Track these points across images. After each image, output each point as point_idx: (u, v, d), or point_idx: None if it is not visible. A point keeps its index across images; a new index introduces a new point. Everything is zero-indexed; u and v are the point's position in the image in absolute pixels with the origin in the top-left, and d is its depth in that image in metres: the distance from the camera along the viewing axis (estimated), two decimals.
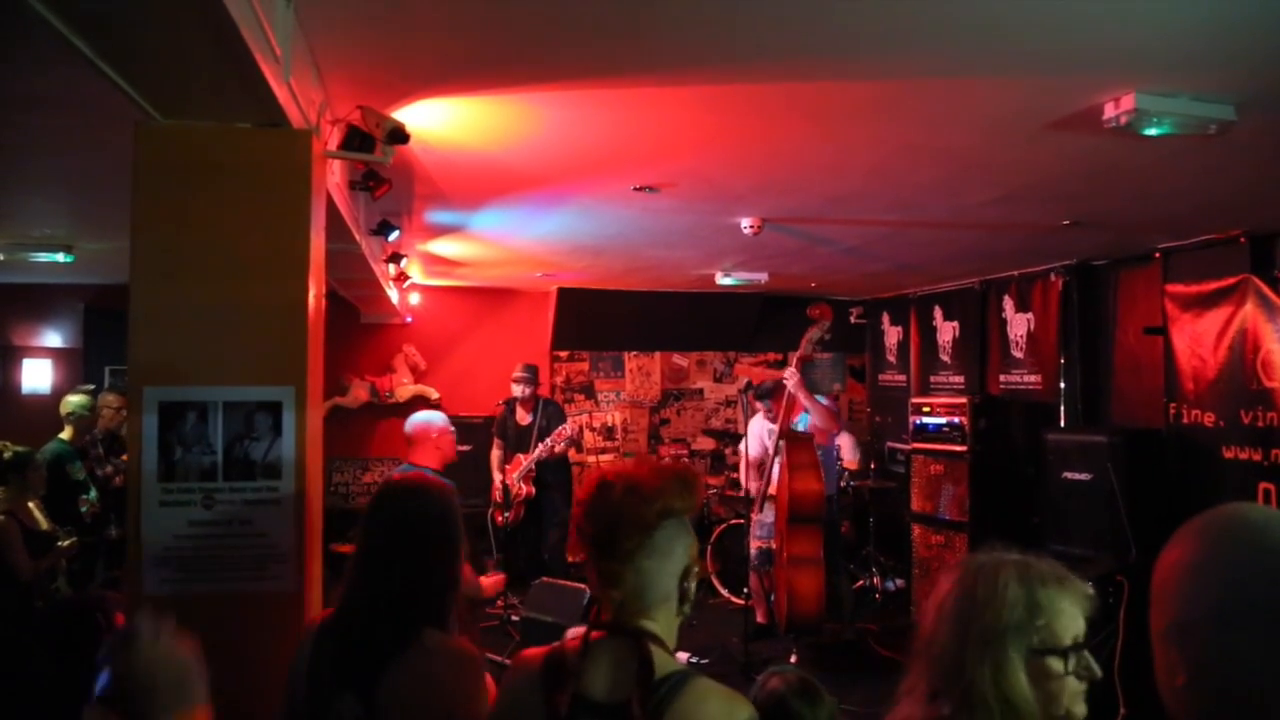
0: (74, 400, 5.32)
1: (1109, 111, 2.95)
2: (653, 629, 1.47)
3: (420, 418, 4.21)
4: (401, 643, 1.73)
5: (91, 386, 5.71)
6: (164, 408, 2.22)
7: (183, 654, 1.19)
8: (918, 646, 1.35)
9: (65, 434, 5.25)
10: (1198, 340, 5.38)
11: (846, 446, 7.80)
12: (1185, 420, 5.44)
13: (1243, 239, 5.15)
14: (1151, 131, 2.97)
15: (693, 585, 1.53)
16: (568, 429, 6.64)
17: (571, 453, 7.47)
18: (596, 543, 1.50)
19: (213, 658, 2.30)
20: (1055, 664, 1.26)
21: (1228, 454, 5.15)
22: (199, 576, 2.26)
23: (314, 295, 2.44)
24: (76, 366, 7.98)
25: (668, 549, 1.49)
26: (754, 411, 6.29)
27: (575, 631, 1.54)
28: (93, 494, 5.17)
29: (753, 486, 6.05)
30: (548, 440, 6.56)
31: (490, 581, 4.12)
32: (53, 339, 8.22)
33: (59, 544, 4.34)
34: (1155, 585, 1.03)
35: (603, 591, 1.51)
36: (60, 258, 5.75)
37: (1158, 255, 5.72)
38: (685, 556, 1.51)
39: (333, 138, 2.90)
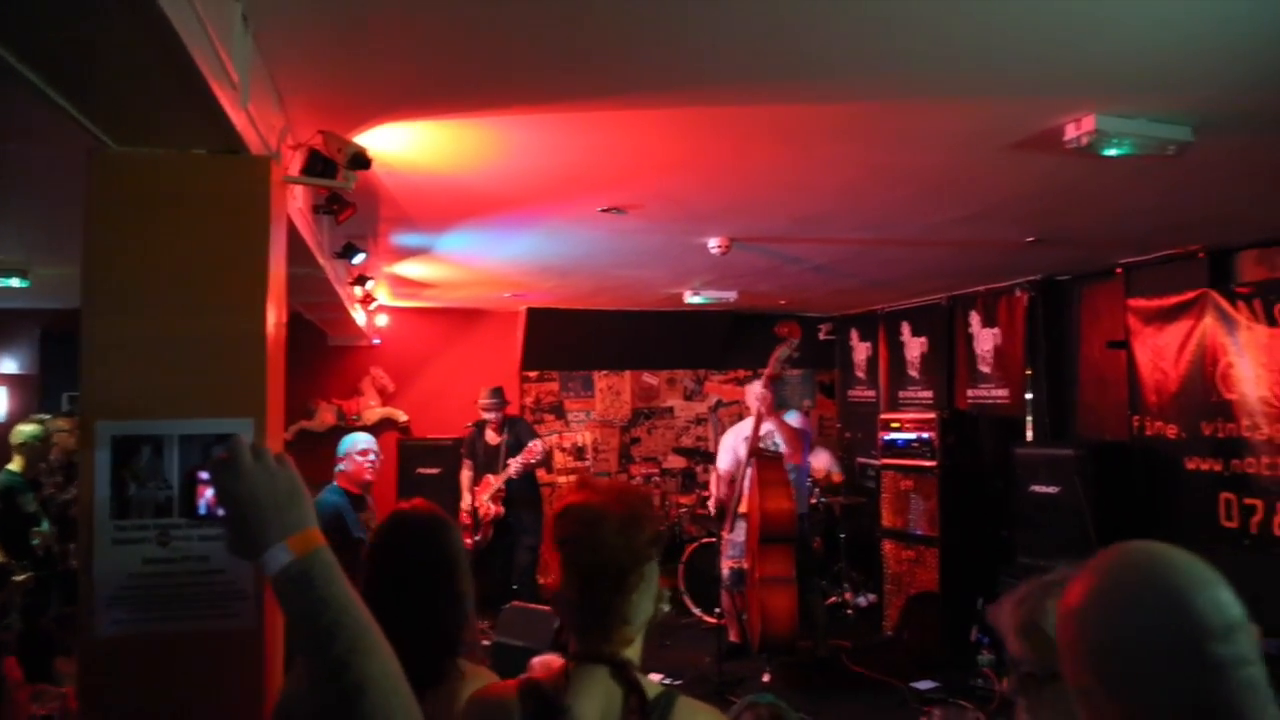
0: (26, 430, 5.16)
1: (1070, 132, 2.99)
2: (630, 655, 1.47)
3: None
4: (431, 677, 1.68)
5: (46, 416, 5.56)
6: (117, 442, 2.15)
7: (287, 475, 1.10)
8: None
9: (15, 465, 5.08)
10: (1159, 353, 5.46)
11: (830, 464, 7.84)
12: (1149, 432, 5.51)
13: (1201, 254, 5.25)
14: (1111, 152, 3.01)
15: (664, 606, 1.54)
16: (538, 445, 6.60)
17: (541, 473, 7.41)
18: (593, 579, 1.46)
19: (173, 697, 2.25)
20: None
21: (1190, 465, 5.22)
22: (155, 616, 2.17)
23: (274, 324, 2.38)
24: (33, 393, 7.79)
25: (652, 577, 1.51)
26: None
27: (540, 660, 1.51)
28: (45, 526, 5.02)
29: (724, 497, 6.04)
30: (519, 457, 6.50)
31: None
32: (8, 365, 8.01)
33: (13, 578, 4.22)
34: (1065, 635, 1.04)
35: (588, 624, 1.48)
36: (15, 282, 5.60)
37: (1120, 270, 5.81)
38: (657, 581, 1.53)
39: (294, 163, 2.85)
